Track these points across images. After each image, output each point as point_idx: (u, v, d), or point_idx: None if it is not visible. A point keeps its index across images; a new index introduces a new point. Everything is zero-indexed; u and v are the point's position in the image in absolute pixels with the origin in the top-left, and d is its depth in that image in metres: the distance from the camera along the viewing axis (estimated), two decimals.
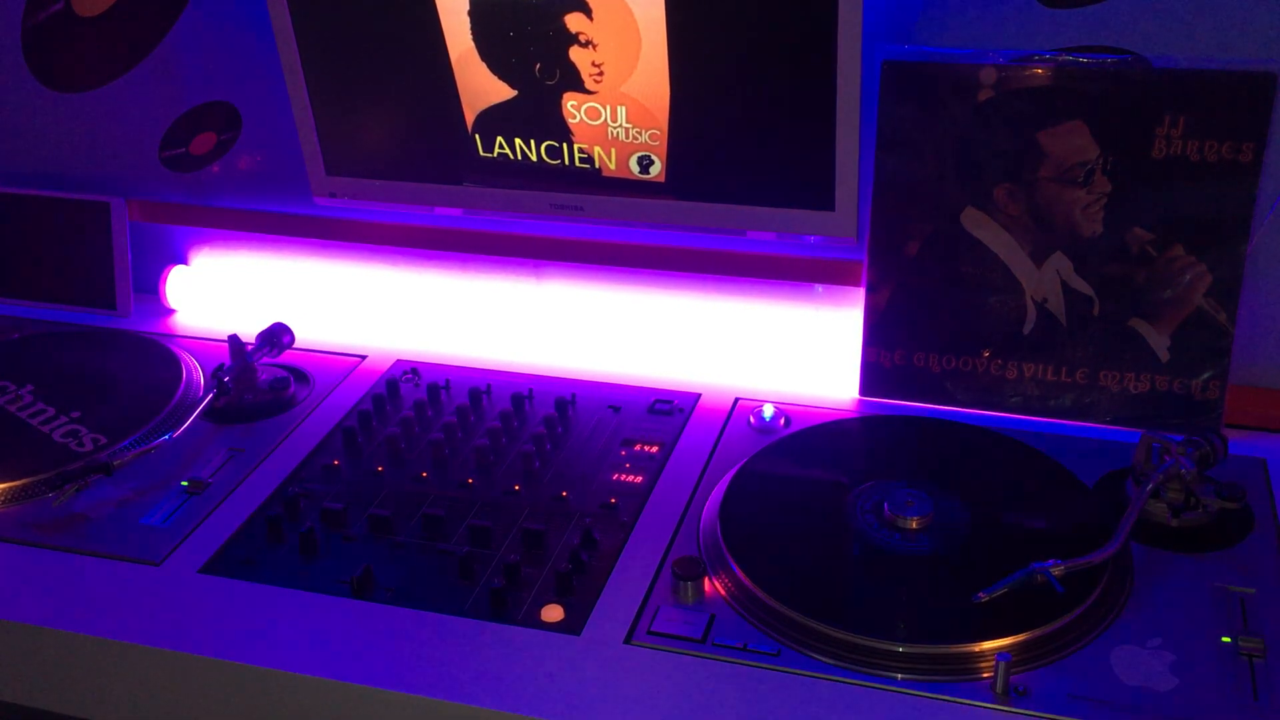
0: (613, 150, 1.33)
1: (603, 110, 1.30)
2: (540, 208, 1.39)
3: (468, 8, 1.28)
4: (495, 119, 1.35)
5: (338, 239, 1.58)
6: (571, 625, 1.05)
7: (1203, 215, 1.21)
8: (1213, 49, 1.18)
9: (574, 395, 1.38)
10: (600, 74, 1.28)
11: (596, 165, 1.34)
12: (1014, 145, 1.24)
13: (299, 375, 1.46)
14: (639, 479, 1.24)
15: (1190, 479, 1.11)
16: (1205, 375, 1.25)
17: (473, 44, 1.31)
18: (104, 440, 1.33)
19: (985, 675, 0.97)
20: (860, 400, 1.37)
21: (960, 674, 0.97)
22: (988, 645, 0.98)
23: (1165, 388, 1.27)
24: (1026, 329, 1.30)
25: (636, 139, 1.31)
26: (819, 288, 1.41)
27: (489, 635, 1.04)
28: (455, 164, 1.40)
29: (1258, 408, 1.28)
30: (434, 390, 1.40)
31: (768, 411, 1.32)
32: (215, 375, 1.38)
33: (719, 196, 1.32)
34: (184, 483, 1.26)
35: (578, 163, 1.35)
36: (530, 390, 1.40)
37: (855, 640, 1.00)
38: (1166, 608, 1.04)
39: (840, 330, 1.40)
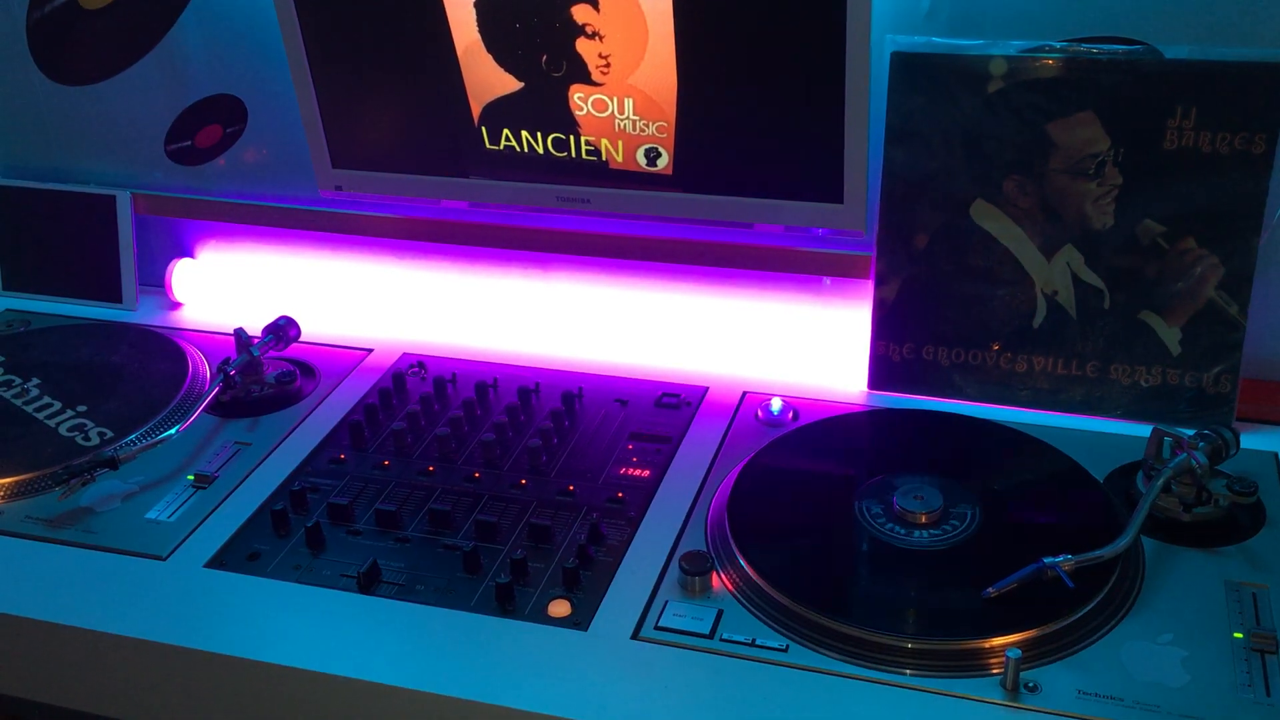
0: (620, 142, 1.32)
1: (610, 102, 1.30)
2: (547, 200, 1.39)
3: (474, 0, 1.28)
4: (502, 111, 1.34)
5: (343, 232, 1.57)
6: (578, 620, 1.04)
7: (1214, 207, 1.20)
8: (1225, 40, 1.17)
9: (581, 389, 1.38)
10: (607, 66, 1.27)
11: (603, 158, 1.34)
12: (1024, 137, 1.23)
13: (305, 369, 1.46)
14: (646, 473, 1.24)
15: (1202, 473, 1.10)
16: (1217, 369, 1.24)
17: (479, 36, 1.30)
18: (110, 434, 1.33)
19: (995, 671, 0.96)
20: (869, 394, 1.36)
21: (970, 670, 0.97)
22: (997, 641, 0.97)
23: (1176, 381, 1.26)
24: (1036, 322, 1.29)
25: (644, 131, 1.30)
26: (827, 281, 1.40)
27: (495, 630, 1.04)
28: (461, 157, 1.39)
29: (1270, 401, 1.27)
30: (440, 384, 1.40)
31: (776, 405, 1.32)
32: (221, 369, 1.38)
33: (726, 189, 1.31)
34: (190, 477, 1.26)
35: (584, 155, 1.34)
36: (537, 384, 1.39)
37: (864, 635, 0.99)
38: (1178, 603, 1.03)
39: (848, 323, 1.40)
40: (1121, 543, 1.02)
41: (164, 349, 1.50)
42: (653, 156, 1.32)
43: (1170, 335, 1.25)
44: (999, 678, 0.96)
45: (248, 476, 1.26)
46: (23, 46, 1.60)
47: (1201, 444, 1.11)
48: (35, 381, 1.44)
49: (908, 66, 1.24)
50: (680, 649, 1.01)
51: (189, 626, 1.06)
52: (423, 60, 1.34)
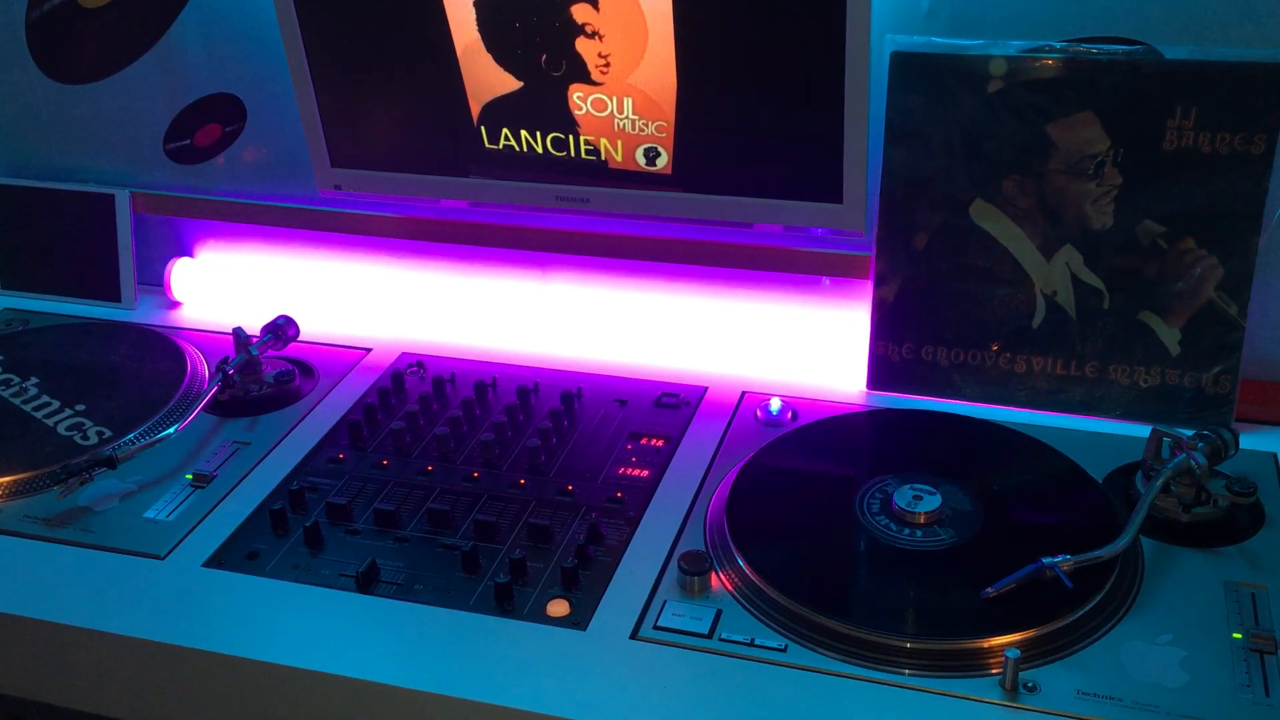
0: (619, 142, 1.32)
1: (609, 102, 1.30)
2: (546, 200, 1.38)
3: None
4: (501, 110, 1.34)
5: (343, 231, 1.57)
6: (577, 620, 1.04)
7: (1214, 208, 1.20)
8: (1225, 40, 1.17)
9: (580, 388, 1.38)
10: (606, 65, 1.27)
11: (603, 157, 1.34)
12: (1023, 137, 1.23)
13: (304, 368, 1.46)
14: (645, 473, 1.24)
15: (1201, 473, 1.10)
16: (1216, 369, 1.24)
17: (478, 35, 1.30)
18: (109, 433, 1.33)
19: (994, 671, 0.96)
20: (868, 394, 1.36)
21: (969, 670, 0.97)
22: (996, 641, 0.97)
23: (1176, 381, 1.26)
24: (1036, 322, 1.29)
25: (643, 131, 1.30)
26: (826, 281, 1.40)
27: (494, 630, 1.04)
28: (461, 156, 1.39)
29: (1270, 401, 1.27)
30: (439, 383, 1.40)
31: (775, 405, 1.32)
32: (220, 368, 1.37)
33: (726, 189, 1.31)
34: (188, 476, 1.26)
35: (584, 155, 1.34)
36: (536, 383, 1.39)
37: (863, 635, 0.99)
38: (1177, 603, 1.03)
39: (848, 324, 1.39)
40: (1120, 543, 1.02)
41: (162, 348, 1.50)
42: (652, 156, 1.32)
43: (1170, 336, 1.25)
44: (998, 678, 0.96)
45: (246, 476, 1.26)
46: (22, 45, 1.60)
47: (1200, 444, 1.11)
48: (34, 380, 1.44)
49: (907, 66, 1.24)
50: (679, 649, 1.01)
51: (187, 626, 1.06)
52: (422, 59, 1.34)
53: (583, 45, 1.27)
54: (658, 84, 1.27)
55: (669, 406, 1.35)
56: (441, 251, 1.55)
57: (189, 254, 1.68)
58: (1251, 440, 1.22)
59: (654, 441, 1.29)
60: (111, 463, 1.23)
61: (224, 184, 1.61)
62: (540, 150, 1.36)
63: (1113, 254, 1.25)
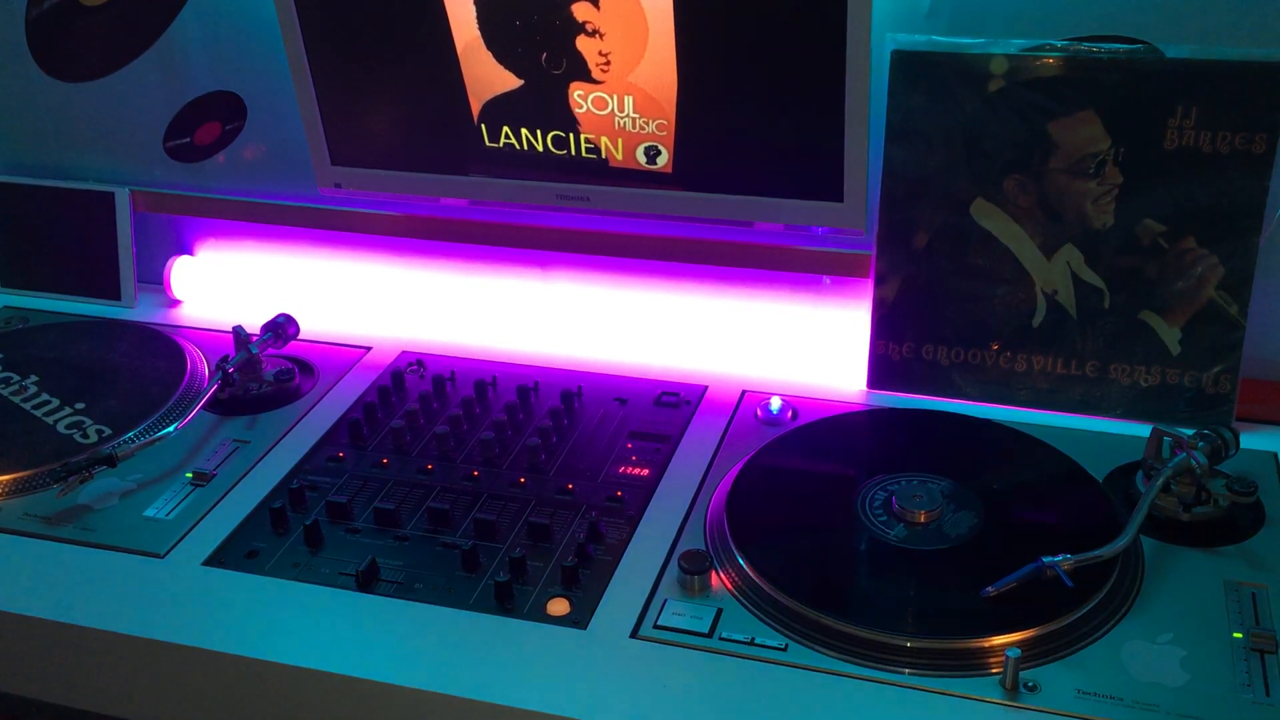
0: (619, 140, 1.32)
1: (610, 100, 1.29)
2: (546, 198, 1.38)
3: None
4: (501, 109, 1.34)
5: (343, 230, 1.57)
6: (577, 619, 1.04)
7: (1215, 207, 1.20)
8: (1225, 40, 1.17)
9: (580, 387, 1.37)
10: (607, 64, 1.27)
11: (603, 156, 1.34)
12: (1024, 136, 1.23)
13: (304, 367, 1.46)
14: (645, 472, 1.24)
15: (1201, 473, 1.10)
16: (1217, 368, 1.24)
17: (479, 33, 1.30)
18: (108, 431, 1.32)
19: (994, 670, 0.96)
20: (868, 393, 1.36)
21: (969, 669, 0.97)
22: (997, 640, 0.97)
23: (1176, 381, 1.26)
24: (1036, 322, 1.29)
25: (643, 129, 1.30)
26: (827, 279, 1.40)
27: (494, 629, 1.04)
28: (461, 154, 1.39)
29: (1270, 401, 1.27)
30: (439, 382, 1.40)
31: (775, 404, 1.32)
32: (220, 366, 1.37)
33: (726, 187, 1.31)
34: (188, 474, 1.26)
35: (584, 153, 1.34)
36: (536, 382, 1.39)
37: (863, 635, 0.99)
38: (1177, 603, 1.03)
39: (848, 323, 1.39)
40: (1120, 542, 1.02)
41: (162, 346, 1.50)
42: (652, 154, 1.32)
43: (1170, 335, 1.25)
44: (998, 677, 0.96)
45: (246, 474, 1.26)
46: (22, 43, 1.60)
47: (1201, 444, 1.11)
48: (33, 379, 1.44)
49: (908, 65, 1.24)
50: (679, 648, 1.01)
51: (187, 624, 1.06)
52: (422, 57, 1.33)
53: (583, 43, 1.27)
54: (658, 82, 1.27)
55: (669, 405, 1.35)
56: (441, 250, 1.55)
57: (189, 252, 1.68)
58: (1251, 440, 1.22)
59: (654, 441, 1.29)
60: (111, 461, 1.23)
61: (224, 182, 1.61)
62: (541, 149, 1.35)
63: (1113, 253, 1.25)
